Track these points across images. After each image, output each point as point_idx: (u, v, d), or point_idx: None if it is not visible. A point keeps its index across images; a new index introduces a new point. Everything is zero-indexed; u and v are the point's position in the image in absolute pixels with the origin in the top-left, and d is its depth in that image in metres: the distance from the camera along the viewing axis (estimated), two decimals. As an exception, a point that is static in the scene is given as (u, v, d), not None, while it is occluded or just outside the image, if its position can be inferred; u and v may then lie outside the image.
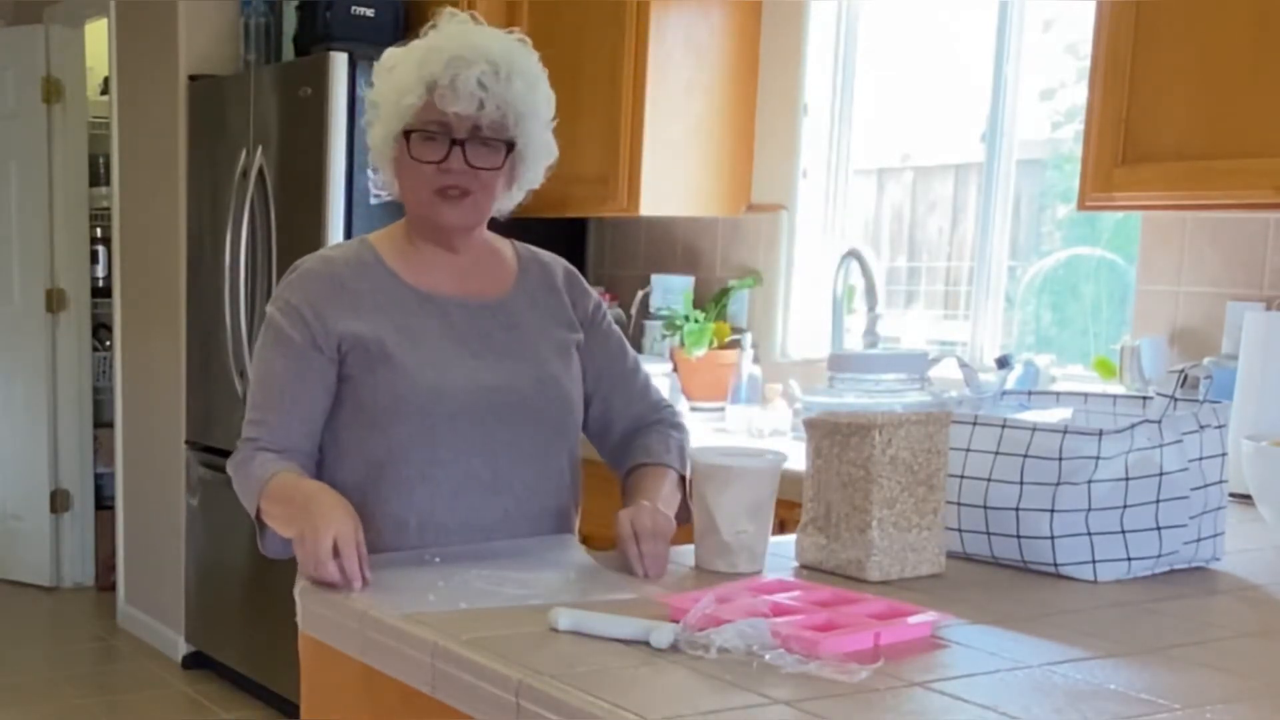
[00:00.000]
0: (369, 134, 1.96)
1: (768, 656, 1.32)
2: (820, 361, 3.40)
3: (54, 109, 5.67)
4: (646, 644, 1.38)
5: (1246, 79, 2.30)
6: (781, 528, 1.92)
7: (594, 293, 2.09)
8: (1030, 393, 2.15)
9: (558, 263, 2.07)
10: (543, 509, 1.94)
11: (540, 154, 1.94)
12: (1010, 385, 2.79)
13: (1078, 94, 3.08)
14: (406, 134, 1.87)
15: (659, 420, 2.07)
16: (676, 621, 1.41)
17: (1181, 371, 1.81)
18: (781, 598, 1.51)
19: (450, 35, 1.89)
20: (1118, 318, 3.12)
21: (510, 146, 1.89)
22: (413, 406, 1.86)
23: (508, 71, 1.86)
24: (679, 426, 2.08)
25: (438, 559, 1.79)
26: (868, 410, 1.73)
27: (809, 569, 1.75)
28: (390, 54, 1.94)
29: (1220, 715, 1.24)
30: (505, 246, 2.05)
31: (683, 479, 1.97)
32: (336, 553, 1.67)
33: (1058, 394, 2.08)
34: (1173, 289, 2.84)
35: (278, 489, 1.84)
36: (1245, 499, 2.10)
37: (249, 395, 1.95)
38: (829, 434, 1.72)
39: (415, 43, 1.92)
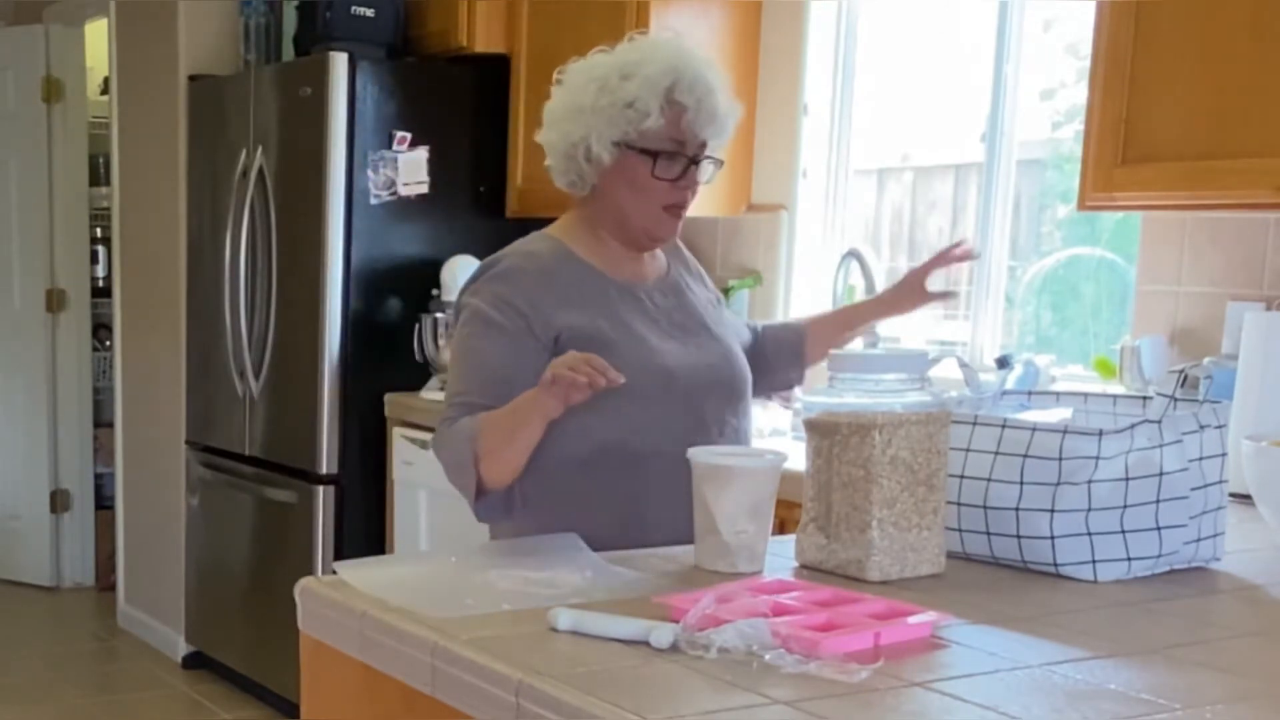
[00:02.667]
0: (550, 134, 2.02)
1: (768, 656, 1.32)
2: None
3: (54, 109, 5.68)
4: (646, 644, 1.38)
5: (1246, 79, 2.30)
6: (781, 528, 1.92)
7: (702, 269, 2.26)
8: (1030, 393, 2.15)
9: (676, 240, 2.20)
10: None
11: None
12: (1010, 385, 2.79)
13: (1078, 94, 3.07)
14: (653, 154, 1.97)
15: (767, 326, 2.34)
16: (676, 621, 1.41)
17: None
18: (781, 598, 1.51)
19: (680, 55, 1.98)
20: (1118, 318, 3.12)
21: (719, 163, 2.05)
22: (639, 389, 1.93)
23: (725, 95, 2.02)
24: None
25: (453, 559, 1.79)
26: (868, 410, 1.72)
27: (809, 569, 1.75)
28: (596, 60, 2.01)
29: (1220, 715, 1.24)
30: None
31: None
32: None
33: (1058, 394, 2.08)
34: (1173, 289, 2.84)
35: (491, 420, 1.93)
36: (1245, 499, 2.10)
37: (451, 380, 2.02)
38: (829, 434, 1.72)
39: (628, 54, 2.00)
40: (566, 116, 2.01)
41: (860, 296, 3.54)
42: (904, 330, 3.64)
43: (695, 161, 2.01)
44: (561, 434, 1.96)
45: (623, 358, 1.93)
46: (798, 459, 1.82)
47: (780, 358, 2.31)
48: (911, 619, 1.45)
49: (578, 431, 1.96)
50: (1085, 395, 2.02)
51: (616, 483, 1.98)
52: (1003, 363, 3.00)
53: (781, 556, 1.79)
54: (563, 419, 1.94)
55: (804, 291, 3.76)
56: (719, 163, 2.05)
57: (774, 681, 1.28)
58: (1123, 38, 2.48)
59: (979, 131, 3.38)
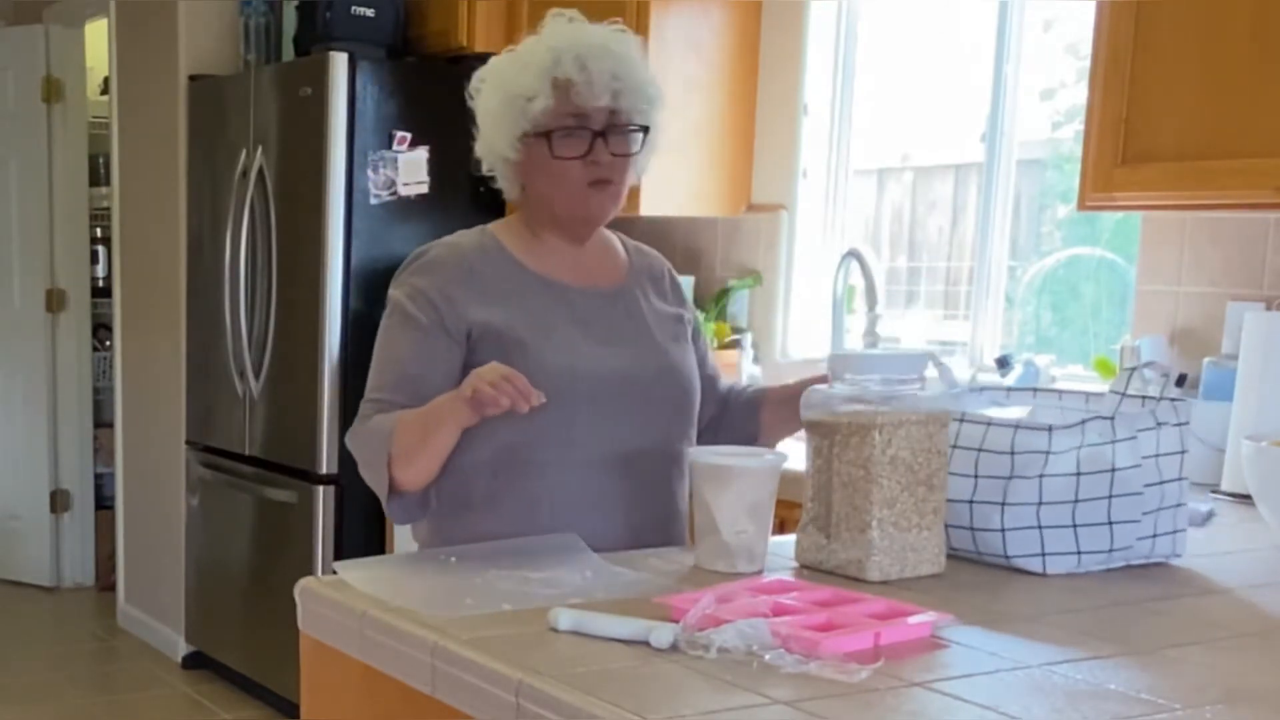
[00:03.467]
0: (478, 146, 2.00)
1: (768, 656, 1.32)
2: (820, 361, 3.40)
3: (54, 109, 5.67)
4: (646, 644, 1.38)
5: (1246, 79, 2.30)
6: (781, 528, 1.92)
7: (688, 300, 2.16)
8: (1009, 389, 2.15)
9: (661, 261, 2.15)
10: (669, 492, 1.99)
11: (660, 141, 2.01)
12: (1010, 385, 2.79)
13: (1078, 94, 3.08)
14: (546, 135, 1.91)
15: (747, 385, 2.17)
16: (676, 621, 1.41)
17: (1133, 369, 1.82)
18: (781, 598, 1.51)
19: (565, 34, 1.93)
20: (1118, 318, 3.12)
21: (645, 131, 1.96)
22: (548, 391, 1.87)
23: (632, 61, 1.93)
24: None
25: (453, 559, 1.79)
26: (867, 410, 1.72)
27: (809, 569, 1.75)
28: (495, 62, 1.98)
29: (1220, 715, 1.24)
30: (615, 239, 2.12)
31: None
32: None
33: (1034, 390, 2.08)
34: (1173, 289, 2.84)
35: (405, 422, 1.88)
36: (1245, 499, 2.10)
37: (370, 375, 1.98)
38: (829, 434, 1.72)
39: (523, 48, 1.95)
40: (482, 126, 1.97)
41: (860, 297, 3.55)
42: (904, 330, 3.64)
43: (602, 134, 1.91)
44: (472, 437, 1.91)
45: (532, 358, 1.89)
46: (798, 459, 1.82)
47: (740, 413, 2.18)
48: (911, 619, 1.45)
49: (482, 432, 1.90)
50: (1060, 393, 2.02)
51: (518, 485, 1.92)
52: (1003, 363, 3.00)
53: (781, 556, 1.79)
54: None
55: (804, 291, 3.76)
56: (644, 129, 1.95)
57: (774, 681, 1.28)
58: (1123, 38, 2.48)
59: (979, 131, 3.38)
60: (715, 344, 3.70)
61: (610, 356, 1.95)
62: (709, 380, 2.15)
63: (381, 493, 1.93)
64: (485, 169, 2.02)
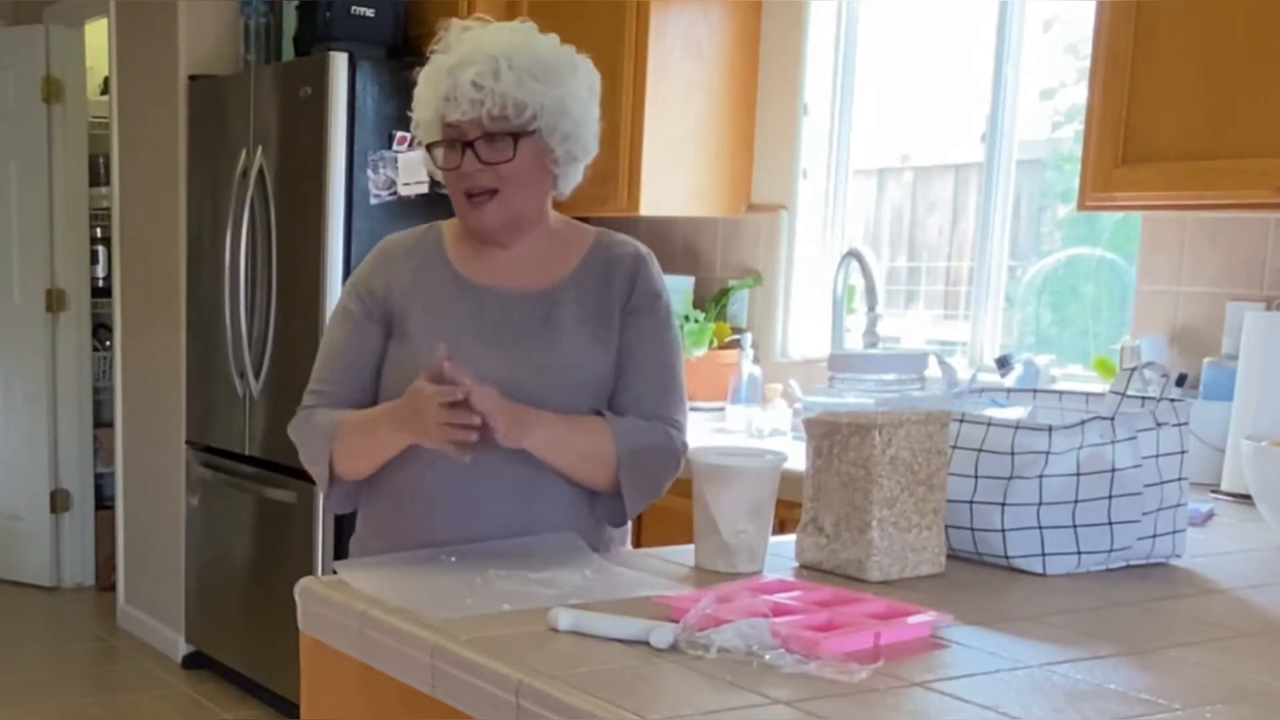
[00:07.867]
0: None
1: (768, 656, 1.32)
2: (820, 361, 3.40)
3: (54, 109, 5.68)
4: (646, 644, 1.38)
5: (1246, 79, 2.30)
6: (781, 528, 1.92)
7: (656, 284, 2.06)
8: (1009, 390, 2.16)
9: (627, 250, 2.05)
10: (549, 491, 1.94)
11: (568, 126, 1.95)
12: (1010, 385, 2.79)
13: (1078, 94, 3.08)
14: (429, 148, 1.98)
15: (657, 417, 1.99)
16: (676, 621, 1.41)
17: (1133, 369, 1.82)
18: (781, 598, 1.51)
19: (453, 45, 1.95)
20: (1118, 318, 3.12)
21: (517, 136, 1.90)
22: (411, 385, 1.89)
23: (506, 64, 1.89)
24: (676, 430, 2.01)
25: (453, 558, 1.79)
26: (868, 410, 1.72)
27: (809, 569, 1.75)
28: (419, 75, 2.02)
29: (1220, 715, 1.24)
30: (580, 236, 2.05)
31: (615, 454, 1.92)
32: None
33: (1034, 390, 2.08)
34: (1173, 289, 2.84)
35: (350, 424, 1.98)
36: (1245, 499, 2.10)
37: (314, 366, 2.10)
38: (829, 434, 1.72)
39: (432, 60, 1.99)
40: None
41: (860, 297, 3.55)
42: (904, 330, 3.64)
43: (471, 144, 1.90)
44: None
45: (407, 349, 1.97)
46: (798, 459, 1.82)
47: None
48: (911, 619, 1.45)
49: None
50: (1060, 393, 2.03)
51: (393, 478, 1.99)
52: (1003, 363, 3.00)
53: (781, 556, 1.79)
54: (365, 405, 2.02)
55: (804, 291, 3.76)
56: (514, 136, 1.89)
57: (774, 681, 1.28)
58: (1123, 38, 2.48)
59: (979, 131, 3.38)
60: (715, 344, 3.70)
61: (491, 360, 1.90)
62: (628, 374, 2.01)
63: (321, 484, 2.07)
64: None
